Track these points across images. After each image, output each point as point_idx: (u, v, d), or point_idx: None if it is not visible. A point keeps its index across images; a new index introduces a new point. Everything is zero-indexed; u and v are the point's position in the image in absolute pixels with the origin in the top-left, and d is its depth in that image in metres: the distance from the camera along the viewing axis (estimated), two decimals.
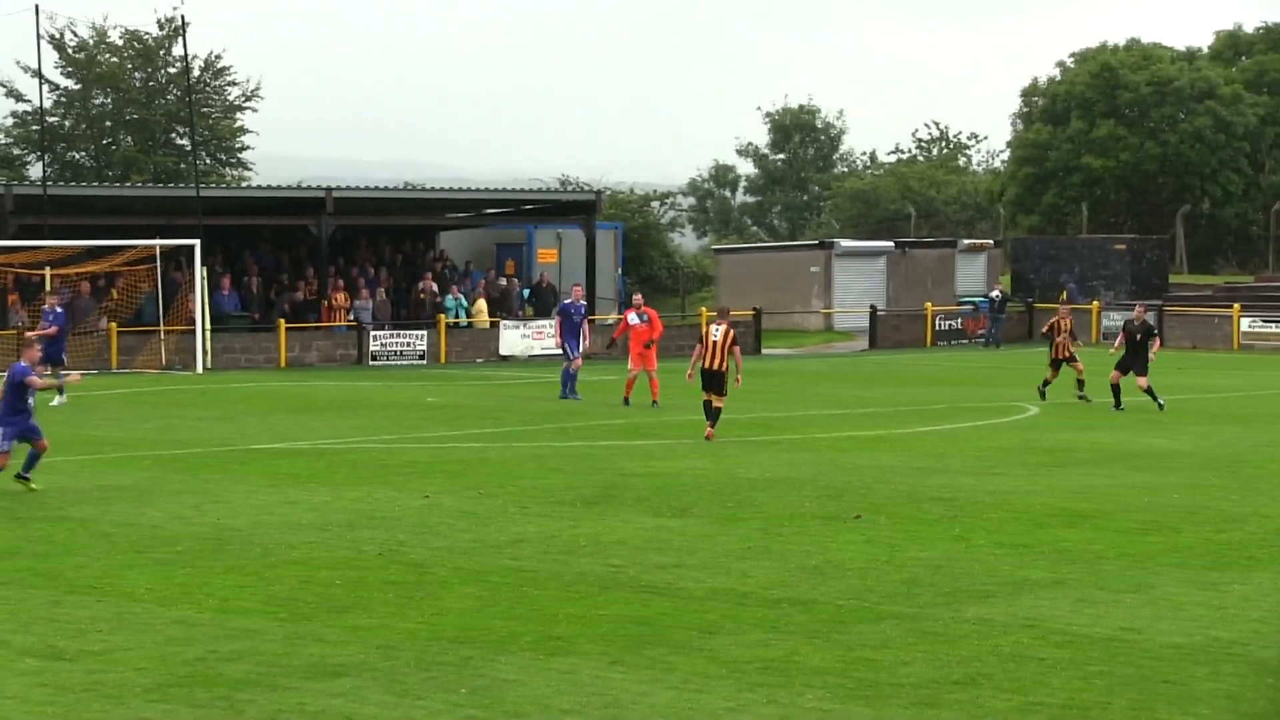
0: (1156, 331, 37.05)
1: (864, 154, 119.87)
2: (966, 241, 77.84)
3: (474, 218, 65.84)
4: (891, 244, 76.69)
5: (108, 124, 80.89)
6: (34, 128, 78.16)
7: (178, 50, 79.82)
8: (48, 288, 46.86)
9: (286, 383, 45.94)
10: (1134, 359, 35.13)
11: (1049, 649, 13.91)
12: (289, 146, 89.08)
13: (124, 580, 16.94)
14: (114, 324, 51.21)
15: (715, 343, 29.74)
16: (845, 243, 77.12)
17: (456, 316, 56.73)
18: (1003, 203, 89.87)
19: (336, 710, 12.16)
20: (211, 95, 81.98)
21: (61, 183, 66.48)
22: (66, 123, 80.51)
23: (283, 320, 53.62)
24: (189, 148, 78.33)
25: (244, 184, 78.13)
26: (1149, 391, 34.61)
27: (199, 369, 49.77)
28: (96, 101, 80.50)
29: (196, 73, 79.84)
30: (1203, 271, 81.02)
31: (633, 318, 37.44)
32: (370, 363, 53.58)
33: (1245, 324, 60.47)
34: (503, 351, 55.95)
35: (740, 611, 15.37)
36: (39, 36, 57.66)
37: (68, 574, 17.29)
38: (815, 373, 49.79)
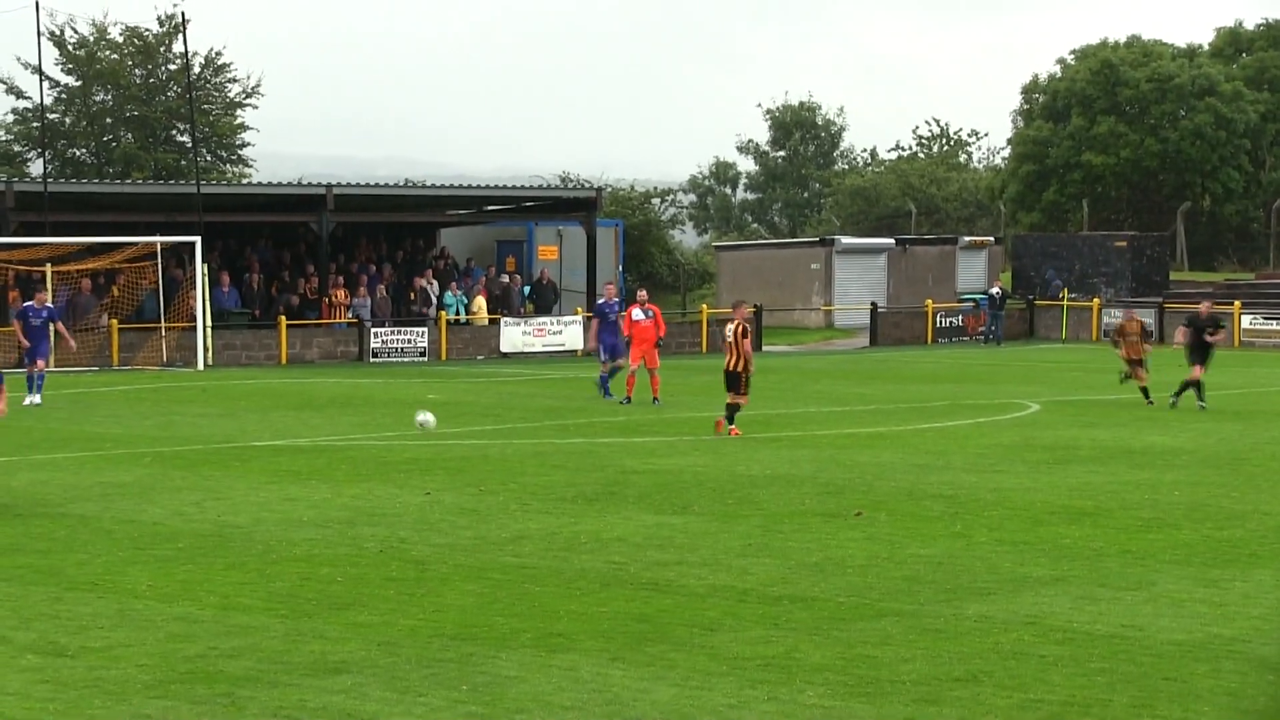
0: (1223, 324, 36.43)
1: (864, 151, 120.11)
2: (967, 238, 77.93)
3: (474, 215, 65.90)
4: (892, 241, 76.74)
5: (108, 121, 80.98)
6: (34, 124, 78.24)
7: (178, 47, 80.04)
8: (48, 284, 46.92)
9: (287, 379, 45.98)
10: (1201, 352, 34.86)
11: (1050, 646, 13.92)
12: (290, 144, 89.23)
13: (125, 577, 16.97)
14: (115, 321, 51.29)
15: (729, 342, 29.78)
16: (846, 240, 77.18)
17: (457, 314, 56.79)
18: (1003, 200, 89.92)
19: (337, 707, 12.17)
20: (212, 92, 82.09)
21: (62, 179, 66.41)
22: (67, 119, 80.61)
23: (283, 317, 53.66)
24: (189, 145, 78.46)
25: (244, 181, 78.28)
26: (1199, 385, 34.56)
27: (200, 366, 49.81)
28: (97, 98, 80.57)
29: (197, 70, 79.94)
30: (1203, 268, 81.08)
31: (637, 313, 37.37)
32: (371, 360, 53.62)
33: (1245, 321, 60.46)
34: (504, 349, 55.99)
35: (741, 608, 15.39)
36: (39, 33, 57.77)
37: (69, 571, 17.32)
38: (816, 370, 49.77)
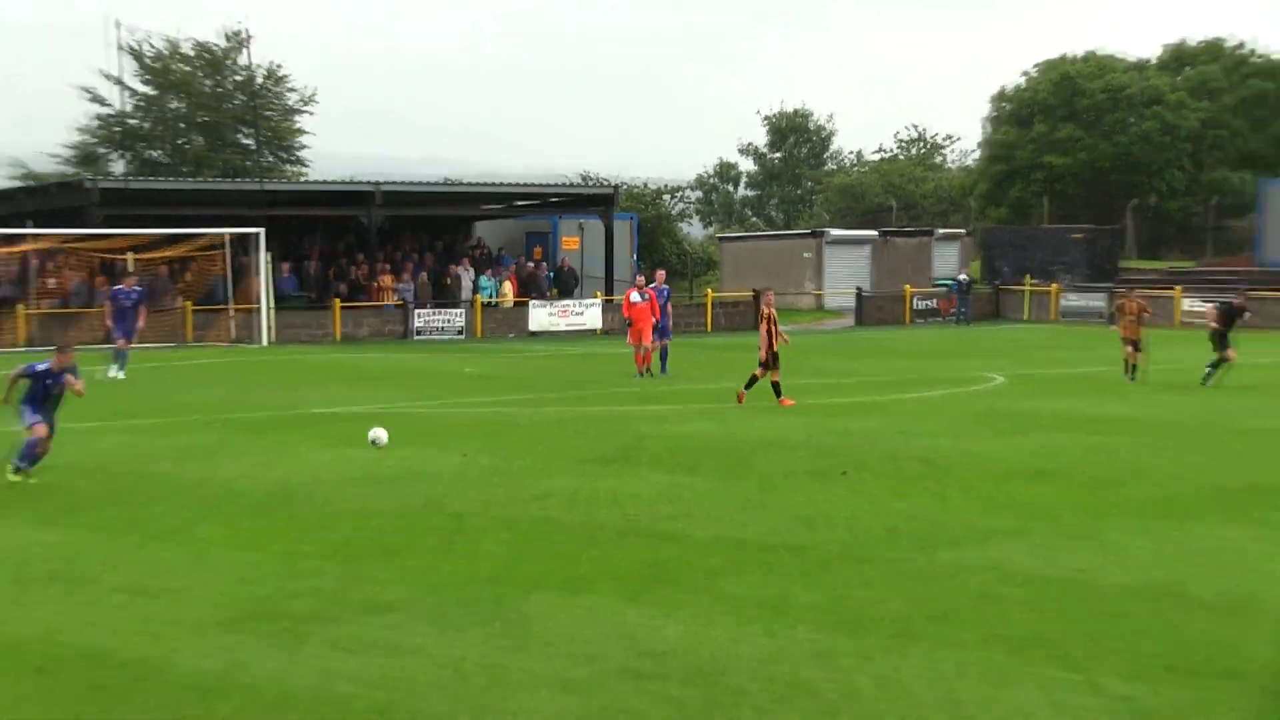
0: (1248, 312, 35.35)
1: (851, 153, 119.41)
2: (941, 231, 77.79)
3: (505, 209, 65.88)
4: (875, 233, 76.59)
5: (181, 125, 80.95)
6: (115, 129, 78.43)
7: (242, 60, 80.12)
8: (129, 270, 47.04)
9: (340, 355, 45.99)
10: (1225, 339, 34.06)
11: (1011, 588, 13.98)
12: (342, 145, 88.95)
13: (200, 528, 17.08)
14: (188, 303, 51.39)
15: (770, 328, 29.80)
16: (834, 232, 77.05)
17: (490, 297, 56.82)
18: (974, 196, 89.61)
19: (387, 640, 12.26)
20: (272, 100, 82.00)
21: (141, 178, 66.49)
22: (144, 125, 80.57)
23: (337, 300, 53.74)
24: (253, 147, 78.63)
25: (301, 179, 78.19)
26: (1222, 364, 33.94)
27: (263, 342, 49.92)
28: (171, 106, 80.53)
29: (259, 80, 79.98)
30: (1150, 258, 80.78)
31: (635, 296, 37.15)
32: (414, 337, 53.68)
33: (1186, 304, 60.27)
34: (531, 328, 56.02)
35: (740, 556, 15.44)
36: (119, 48, 57.86)
37: (151, 522, 17.45)
38: (808, 347, 49.67)
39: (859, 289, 67.83)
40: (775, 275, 70.00)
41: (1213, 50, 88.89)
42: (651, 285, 38.21)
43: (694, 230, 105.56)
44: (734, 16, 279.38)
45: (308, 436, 25.13)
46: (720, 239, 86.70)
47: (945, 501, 18.60)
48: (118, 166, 77.76)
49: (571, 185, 68.43)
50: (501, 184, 63.97)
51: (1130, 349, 34.87)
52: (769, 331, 29.75)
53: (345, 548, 15.90)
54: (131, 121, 79.58)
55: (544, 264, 60.83)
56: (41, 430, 19.72)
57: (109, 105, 79.01)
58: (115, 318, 37.37)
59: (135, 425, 25.80)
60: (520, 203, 65.50)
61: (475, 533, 16.67)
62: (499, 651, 11.99)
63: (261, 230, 50.87)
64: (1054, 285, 66.44)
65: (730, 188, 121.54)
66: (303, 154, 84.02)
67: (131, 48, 78.00)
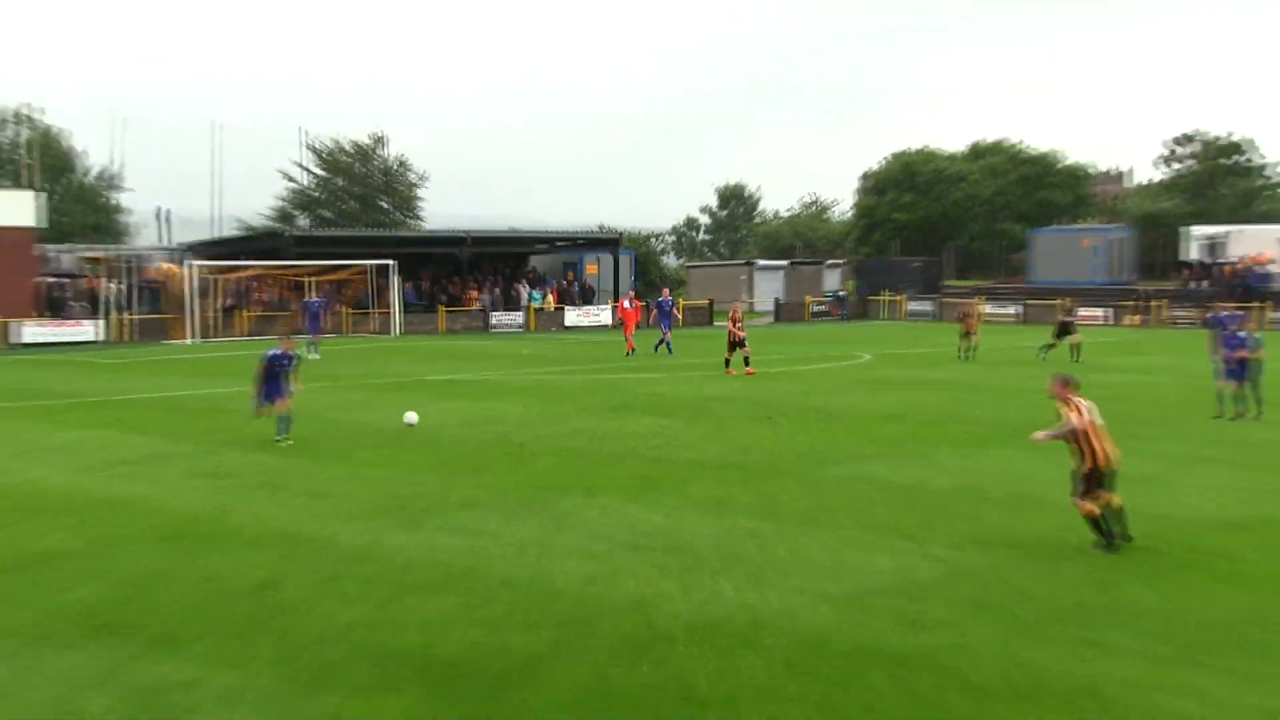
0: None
1: (774, 212, 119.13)
2: (829, 261, 77.55)
3: (549, 248, 65.62)
4: (787, 263, 76.43)
5: (342, 195, 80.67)
6: (302, 197, 78.04)
7: (382, 152, 79.71)
8: (311, 287, 46.77)
9: (443, 342, 45.87)
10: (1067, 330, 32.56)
11: (875, 493, 13.94)
12: (444, 205, 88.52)
13: (353, 454, 17.01)
14: (347, 308, 51.22)
15: (735, 326, 29.45)
16: (761, 262, 76.85)
17: (539, 304, 56.67)
18: (849, 240, 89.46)
19: (472, 525, 12.23)
20: (400, 178, 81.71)
21: (317, 228, 66.16)
22: (320, 195, 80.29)
23: (441, 307, 53.55)
24: (388, 209, 78.23)
25: (419, 229, 77.95)
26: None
27: (394, 334, 49.74)
28: (336, 183, 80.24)
29: (393, 165, 79.66)
30: (962, 278, 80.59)
31: (627, 304, 37.50)
32: (491, 331, 53.50)
33: (987, 308, 60.00)
34: (566, 324, 55.86)
35: (701, 472, 15.39)
36: (303, 145, 57.53)
37: (320, 450, 17.38)
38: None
39: (777, 299, 67.55)
40: (724, 290, 69.95)
41: (998, 147, 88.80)
42: (660, 298, 37.58)
43: (670, 260, 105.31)
44: (695, 119, 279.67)
45: (424, 395, 25.01)
46: (688, 266, 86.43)
47: (833, 435, 18.56)
48: (303, 221, 77.43)
49: (591, 232, 67.95)
50: (546, 232, 63.62)
51: (965, 339, 34.22)
52: (731, 328, 29.68)
53: (446, 465, 15.83)
54: (312, 193, 79.27)
55: (575, 283, 60.65)
56: (285, 406, 18.34)
57: (296, 182, 78.79)
58: (308, 319, 37.51)
59: (312, 388, 25.66)
60: (559, 243, 65.28)
61: (530, 456, 16.61)
62: (545, 533, 11.96)
63: (394, 262, 50.69)
64: (902, 296, 66.24)
65: (694, 233, 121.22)
66: (420, 212, 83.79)
67: (311, 145, 77.86)
